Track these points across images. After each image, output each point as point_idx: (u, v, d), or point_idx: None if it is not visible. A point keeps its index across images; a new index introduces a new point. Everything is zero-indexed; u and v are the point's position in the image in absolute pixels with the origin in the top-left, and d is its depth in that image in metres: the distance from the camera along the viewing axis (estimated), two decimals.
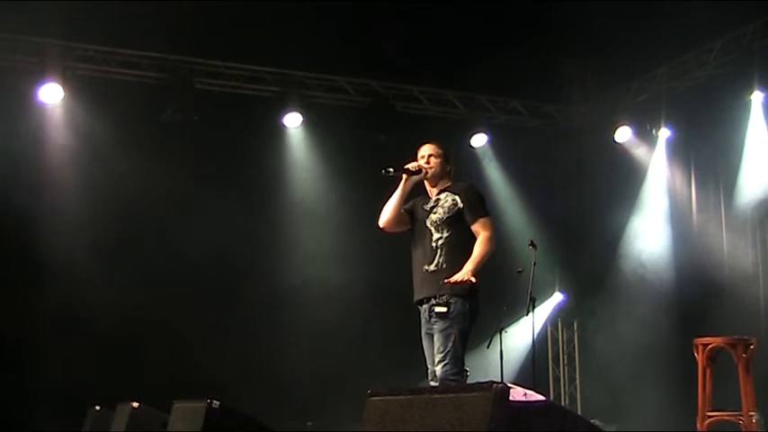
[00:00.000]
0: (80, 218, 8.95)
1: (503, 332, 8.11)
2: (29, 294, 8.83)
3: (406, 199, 5.54)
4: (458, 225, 5.30)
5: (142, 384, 7.63)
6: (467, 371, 5.25)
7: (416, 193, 5.56)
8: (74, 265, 8.92)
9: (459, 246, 5.25)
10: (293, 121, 10.01)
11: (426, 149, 5.55)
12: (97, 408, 7.50)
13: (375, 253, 9.76)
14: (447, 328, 5.14)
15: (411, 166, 5.48)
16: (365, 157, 9.99)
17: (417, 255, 5.41)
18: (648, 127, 10.35)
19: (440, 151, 5.55)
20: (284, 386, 9.36)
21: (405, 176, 5.47)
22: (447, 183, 5.52)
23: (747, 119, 9.03)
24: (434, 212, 5.38)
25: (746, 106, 9.03)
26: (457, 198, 5.37)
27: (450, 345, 5.11)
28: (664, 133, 10.29)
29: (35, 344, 8.79)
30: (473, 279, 5.05)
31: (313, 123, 10.11)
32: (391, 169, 5.45)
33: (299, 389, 9.41)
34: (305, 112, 9.98)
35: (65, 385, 8.66)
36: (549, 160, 10.75)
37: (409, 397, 3.15)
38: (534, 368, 8.50)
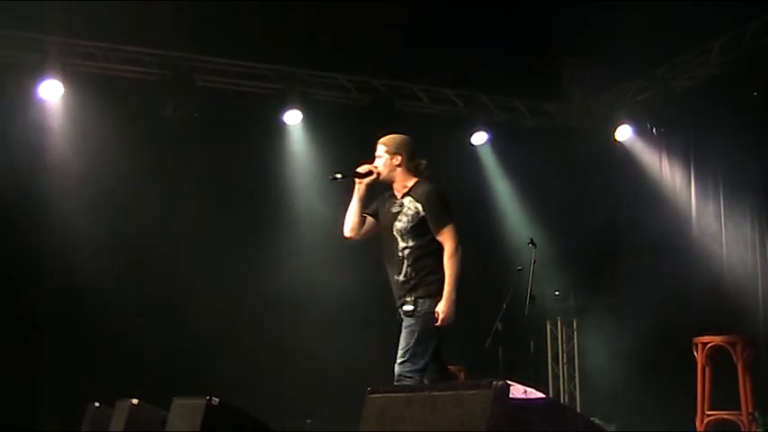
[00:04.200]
0: (80, 215, 8.93)
1: (502, 330, 8.10)
2: (28, 291, 8.83)
3: (367, 202, 5.39)
4: (422, 234, 5.16)
5: (141, 382, 7.63)
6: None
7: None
8: (73, 264, 8.92)
9: (426, 254, 5.16)
10: (293, 118, 10.02)
11: (377, 146, 5.39)
12: (96, 404, 7.50)
13: (376, 252, 9.74)
14: (411, 325, 5.07)
15: (361, 169, 5.31)
16: (365, 155, 9.97)
17: (388, 262, 5.29)
18: (649, 126, 10.34)
19: (384, 147, 5.35)
20: (283, 384, 9.35)
21: (357, 181, 5.31)
22: (411, 178, 5.32)
23: (747, 117, 9.01)
24: (399, 220, 5.24)
25: (746, 105, 9.02)
26: (419, 206, 5.21)
27: (411, 342, 5.02)
28: (664, 132, 10.29)
29: (34, 341, 8.79)
30: (446, 314, 4.99)
31: (313, 121, 10.11)
32: (339, 175, 5.28)
33: (298, 387, 9.40)
34: (305, 110, 9.99)
35: (64, 382, 8.67)
36: (549, 159, 10.75)
37: (409, 394, 3.15)
38: (534, 366, 8.49)
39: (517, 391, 2.74)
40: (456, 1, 8.92)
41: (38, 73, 8.95)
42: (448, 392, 2.95)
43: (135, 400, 6.29)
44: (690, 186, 10.02)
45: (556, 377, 11.23)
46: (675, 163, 10.24)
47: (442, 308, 5.00)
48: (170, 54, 9.51)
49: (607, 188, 10.59)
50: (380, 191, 5.48)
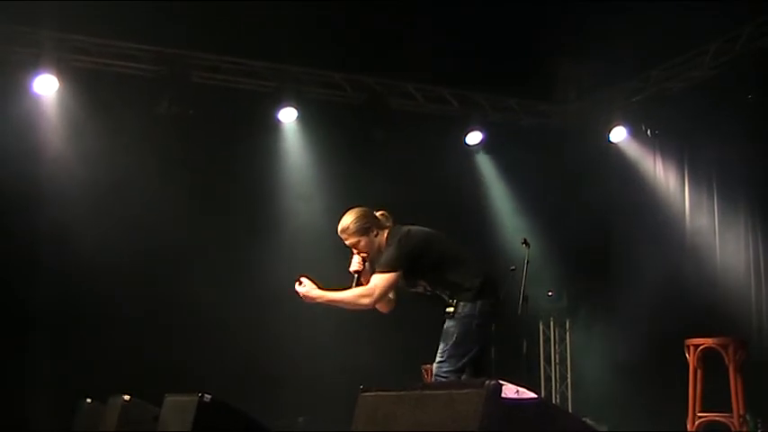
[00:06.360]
0: (73, 211, 8.90)
1: (494, 330, 8.08)
2: (22, 288, 8.81)
3: None
4: (418, 268, 5.24)
5: (134, 379, 7.61)
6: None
7: None
8: (67, 261, 8.89)
9: (446, 279, 5.23)
10: (288, 115, 10.01)
11: (346, 240, 5.36)
12: (89, 401, 7.49)
13: None
14: (451, 327, 5.17)
15: (353, 270, 5.35)
16: (359, 153, 10.01)
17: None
18: (643, 127, 10.35)
19: (353, 234, 5.31)
20: (276, 382, 9.34)
21: (363, 281, 5.31)
22: (384, 234, 5.34)
23: (741, 120, 9.02)
24: None
25: (741, 108, 9.03)
26: None
27: (450, 343, 5.13)
28: (658, 134, 10.30)
29: (27, 339, 8.78)
30: (308, 292, 5.18)
31: (308, 118, 10.10)
32: (354, 285, 5.31)
33: (290, 384, 9.39)
34: (300, 108, 9.97)
35: (58, 380, 8.64)
36: (544, 159, 10.76)
37: (401, 393, 3.15)
38: (526, 366, 8.50)
39: (509, 390, 2.74)
40: (451, 0, 8.90)
41: (32, 68, 8.92)
42: (440, 392, 2.95)
43: (127, 397, 6.27)
44: (684, 188, 10.03)
45: (548, 378, 11.25)
46: (669, 165, 10.25)
47: (314, 290, 5.19)
48: (165, 50, 9.48)
49: (601, 189, 10.59)
50: None
